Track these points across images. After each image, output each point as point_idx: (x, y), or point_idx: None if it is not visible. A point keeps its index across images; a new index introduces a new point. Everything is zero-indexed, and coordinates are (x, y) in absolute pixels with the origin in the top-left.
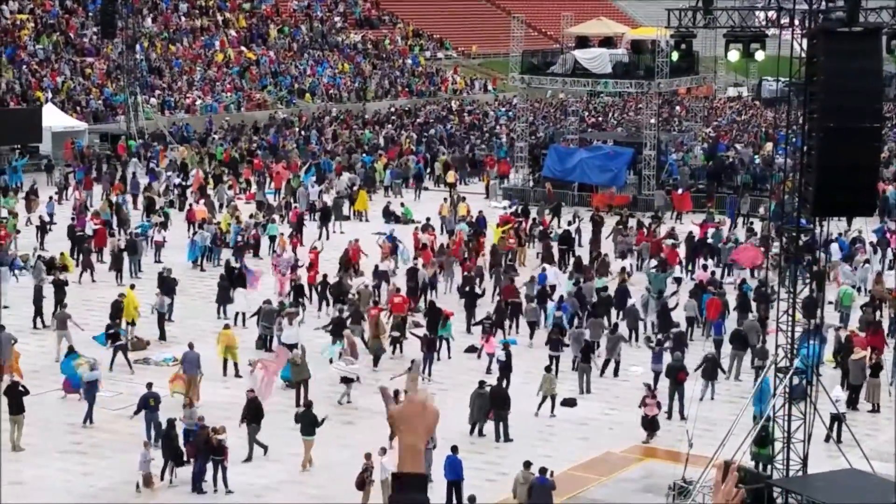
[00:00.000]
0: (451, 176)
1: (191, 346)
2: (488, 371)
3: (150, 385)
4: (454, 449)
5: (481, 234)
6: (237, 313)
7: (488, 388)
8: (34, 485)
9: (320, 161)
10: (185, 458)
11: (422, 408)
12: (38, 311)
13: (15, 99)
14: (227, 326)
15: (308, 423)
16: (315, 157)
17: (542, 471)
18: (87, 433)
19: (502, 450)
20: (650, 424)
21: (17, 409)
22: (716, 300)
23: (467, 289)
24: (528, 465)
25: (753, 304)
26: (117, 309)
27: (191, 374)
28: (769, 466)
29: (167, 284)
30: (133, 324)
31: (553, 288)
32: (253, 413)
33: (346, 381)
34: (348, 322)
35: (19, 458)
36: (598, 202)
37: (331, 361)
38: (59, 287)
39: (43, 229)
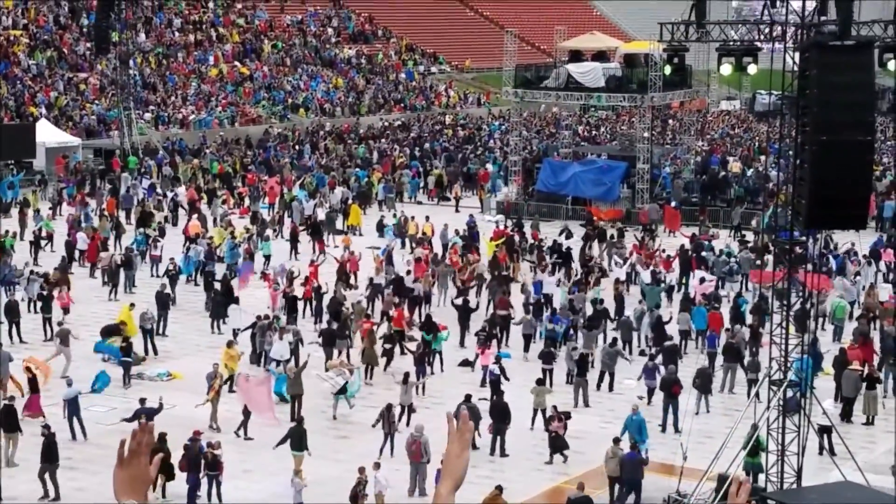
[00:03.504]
0: (455, 191)
1: None
2: (483, 384)
3: (143, 400)
4: None
5: (474, 248)
6: (233, 329)
7: (478, 401)
8: (29, 499)
9: (314, 175)
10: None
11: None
12: (14, 325)
13: (9, 114)
14: (230, 344)
15: (298, 438)
16: (309, 171)
17: (633, 447)
18: (79, 448)
19: (497, 464)
20: (555, 444)
21: (12, 427)
22: (716, 314)
23: (461, 302)
24: (616, 440)
25: (749, 317)
26: (111, 331)
27: None
28: (760, 476)
29: (162, 300)
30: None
31: (549, 298)
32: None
33: (342, 391)
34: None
35: (13, 473)
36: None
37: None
38: (46, 301)
39: (37, 244)
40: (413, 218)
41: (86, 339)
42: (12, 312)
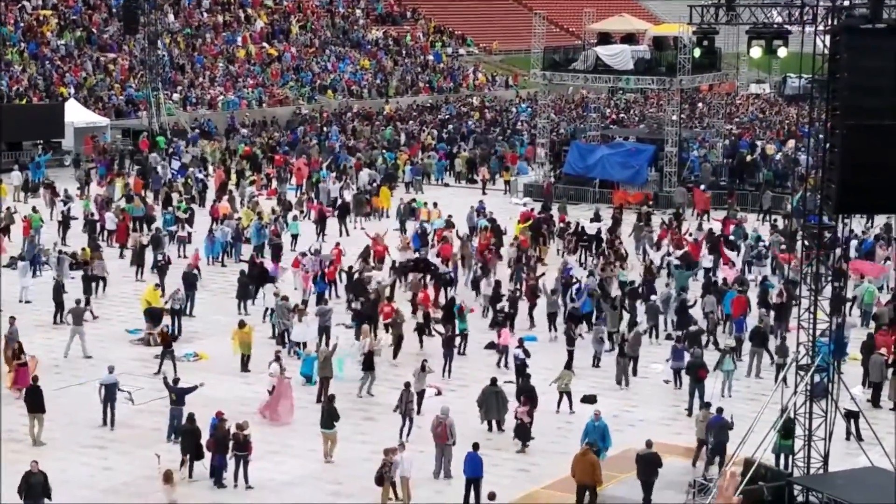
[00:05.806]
0: (483, 173)
1: None
2: (499, 364)
3: (176, 380)
4: (475, 446)
5: (498, 231)
6: (265, 309)
7: (503, 384)
8: (56, 479)
9: (339, 157)
10: (203, 453)
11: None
12: (60, 307)
13: (38, 94)
14: (241, 324)
15: (328, 416)
16: (335, 153)
17: (720, 410)
18: (107, 428)
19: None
20: (520, 432)
21: (38, 407)
22: (741, 298)
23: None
24: (707, 405)
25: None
26: (155, 315)
27: None
28: (790, 459)
29: (188, 280)
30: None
31: (578, 280)
32: None
33: (368, 368)
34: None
35: (41, 452)
36: (618, 199)
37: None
38: (87, 281)
39: (65, 224)
40: (425, 204)
41: (114, 318)
42: (58, 294)
